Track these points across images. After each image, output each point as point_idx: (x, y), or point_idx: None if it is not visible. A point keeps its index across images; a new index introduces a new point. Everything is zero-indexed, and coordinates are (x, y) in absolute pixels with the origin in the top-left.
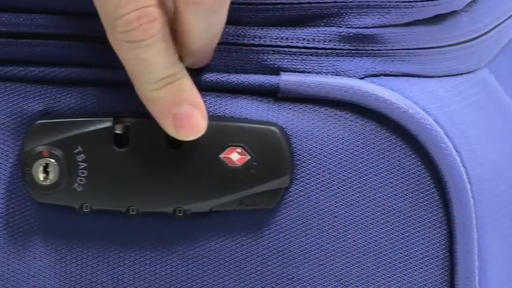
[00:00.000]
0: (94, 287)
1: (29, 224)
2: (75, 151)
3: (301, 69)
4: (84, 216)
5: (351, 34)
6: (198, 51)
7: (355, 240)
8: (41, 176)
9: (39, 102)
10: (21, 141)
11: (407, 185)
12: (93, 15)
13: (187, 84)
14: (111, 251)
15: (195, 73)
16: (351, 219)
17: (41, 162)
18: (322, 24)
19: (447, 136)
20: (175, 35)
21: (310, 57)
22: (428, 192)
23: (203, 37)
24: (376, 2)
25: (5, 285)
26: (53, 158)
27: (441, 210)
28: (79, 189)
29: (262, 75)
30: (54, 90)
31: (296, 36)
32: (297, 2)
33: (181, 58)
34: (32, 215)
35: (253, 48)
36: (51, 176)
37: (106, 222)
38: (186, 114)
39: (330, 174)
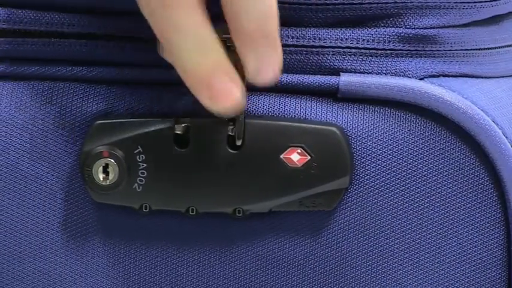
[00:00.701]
0: None
1: (88, 224)
2: (135, 151)
3: (361, 70)
4: (143, 217)
5: (410, 35)
6: (254, 32)
7: (413, 241)
8: (101, 176)
9: (98, 102)
10: (81, 141)
11: (466, 186)
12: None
13: (223, 56)
14: (170, 252)
15: None
16: (410, 220)
17: (101, 162)
18: (382, 24)
19: (506, 136)
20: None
21: (370, 57)
22: (486, 193)
23: (254, 12)
24: (435, 2)
25: (63, 285)
26: (112, 158)
27: (499, 210)
28: (139, 190)
29: (322, 76)
30: (114, 90)
31: (356, 37)
32: (357, 2)
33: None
34: (90, 215)
35: (314, 49)
36: (110, 176)
37: (165, 223)
38: (221, 85)
39: (389, 174)
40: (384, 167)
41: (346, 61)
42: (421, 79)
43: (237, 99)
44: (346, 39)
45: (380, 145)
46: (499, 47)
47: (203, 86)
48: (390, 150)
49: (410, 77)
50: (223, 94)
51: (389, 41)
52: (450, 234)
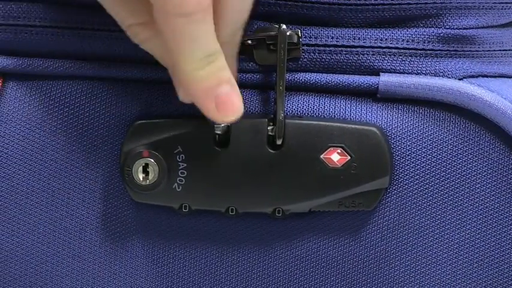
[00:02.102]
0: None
1: (127, 223)
2: (175, 151)
3: (401, 70)
4: (182, 217)
5: (449, 35)
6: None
7: (452, 241)
8: (141, 176)
9: (138, 102)
10: (121, 141)
11: (505, 185)
12: None
13: (224, 64)
14: (209, 251)
15: (295, 74)
16: (449, 220)
17: (141, 162)
18: (421, 25)
19: None
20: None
21: (409, 58)
22: None
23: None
24: (474, 3)
25: (102, 285)
26: (152, 158)
27: None
28: (178, 190)
29: (362, 76)
30: (154, 90)
31: (395, 37)
32: (396, 2)
33: None
34: (130, 215)
35: (353, 49)
36: (150, 176)
37: (204, 223)
38: (226, 95)
39: (428, 174)
40: (423, 167)
41: (386, 61)
42: (460, 79)
43: (239, 107)
44: (386, 39)
45: (419, 145)
46: None
47: (210, 96)
48: (430, 150)
49: (449, 77)
50: (228, 104)
51: (429, 42)
52: (489, 234)
